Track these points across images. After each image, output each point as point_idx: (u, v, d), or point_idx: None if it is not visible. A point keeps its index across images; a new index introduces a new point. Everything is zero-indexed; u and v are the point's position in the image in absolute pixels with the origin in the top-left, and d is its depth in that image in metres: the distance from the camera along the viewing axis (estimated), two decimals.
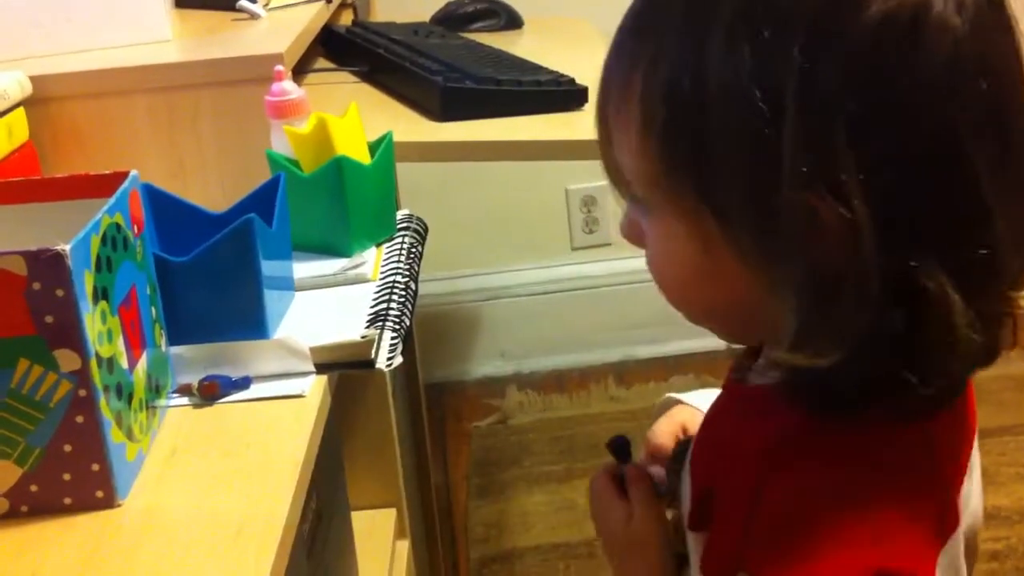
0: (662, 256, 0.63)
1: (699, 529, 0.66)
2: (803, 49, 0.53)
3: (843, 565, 0.56)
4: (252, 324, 0.93)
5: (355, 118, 1.12)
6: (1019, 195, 0.57)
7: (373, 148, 1.13)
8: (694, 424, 0.81)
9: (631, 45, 0.60)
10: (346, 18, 1.82)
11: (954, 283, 0.55)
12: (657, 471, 0.79)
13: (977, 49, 0.54)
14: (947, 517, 0.61)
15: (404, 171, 1.37)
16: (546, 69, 1.43)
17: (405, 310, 1.01)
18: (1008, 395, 2.26)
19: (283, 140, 1.11)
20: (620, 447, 0.81)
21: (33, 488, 0.74)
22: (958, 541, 0.62)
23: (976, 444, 0.68)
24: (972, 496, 0.68)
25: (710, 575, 0.64)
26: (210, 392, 0.87)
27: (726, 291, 0.60)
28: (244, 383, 0.88)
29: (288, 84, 1.13)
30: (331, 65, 1.60)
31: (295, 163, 1.10)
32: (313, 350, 0.90)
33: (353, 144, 1.10)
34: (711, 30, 0.55)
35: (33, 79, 1.12)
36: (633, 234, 0.66)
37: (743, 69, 0.53)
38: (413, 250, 1.14)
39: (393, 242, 1.15)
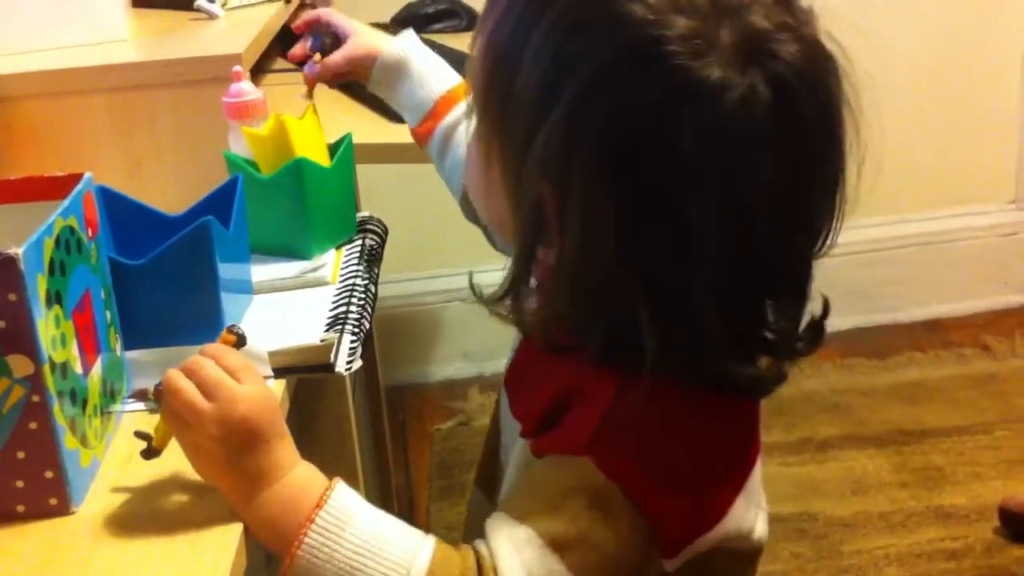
0: (466, 159, 0.76)
1: (541, 433, 0.73)
2: (593, 72, 0.62)
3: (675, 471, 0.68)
4: (209, 328, 0.92)
5: (314, 119, 1.12)
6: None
7: (333, 150, 1.12)
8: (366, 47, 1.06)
9: None
10: None
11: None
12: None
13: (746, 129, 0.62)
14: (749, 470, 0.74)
15: (364, 172, 1.37)
16: None
17: (365, 313, 1.00)
18: (963, 394, 2.28)
19: (241, 141, 1.10)
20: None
21: None
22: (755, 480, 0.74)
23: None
24: None
25: (546, 451, 0.72)
26: None
27: (495, 209, 0.72)
28: None
29: (246, 84, 1.12)
30: (290, 66, 1.58)
31: (253, 164, 1.10)
32: (271, 354, 0.89)
33: (313, 145, 1.09)
34: (542, 18, 0.65)
35: None
36: None
37: (545, 64, 0.64)
38: (373, 252, 1.13)
39: (353, 244, 1.14)
